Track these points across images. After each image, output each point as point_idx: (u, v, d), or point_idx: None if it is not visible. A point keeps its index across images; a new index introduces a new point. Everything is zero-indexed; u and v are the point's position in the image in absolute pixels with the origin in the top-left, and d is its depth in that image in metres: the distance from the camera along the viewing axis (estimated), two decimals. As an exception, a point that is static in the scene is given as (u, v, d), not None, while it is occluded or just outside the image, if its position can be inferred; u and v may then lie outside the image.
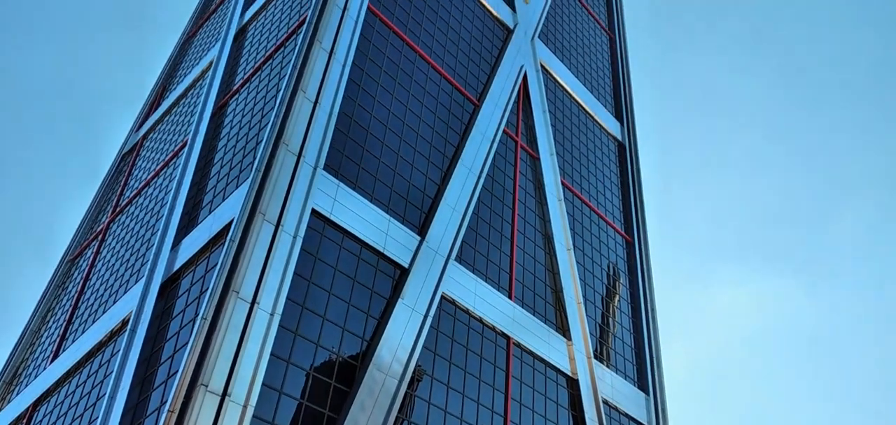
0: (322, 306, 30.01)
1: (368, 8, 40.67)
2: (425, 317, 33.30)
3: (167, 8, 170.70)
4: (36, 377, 42.30)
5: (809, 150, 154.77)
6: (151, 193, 45.39)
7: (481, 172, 41.28)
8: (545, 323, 41.09)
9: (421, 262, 34.54)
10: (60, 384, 38.43)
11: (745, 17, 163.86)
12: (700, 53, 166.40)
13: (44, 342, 46.08)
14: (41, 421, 37.79)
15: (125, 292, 37.95)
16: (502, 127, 45.04)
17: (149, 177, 47.94)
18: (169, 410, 24.34)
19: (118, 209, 49.88)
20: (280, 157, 31.27)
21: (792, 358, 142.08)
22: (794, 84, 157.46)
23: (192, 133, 43.02)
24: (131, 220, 45.53)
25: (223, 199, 33.86)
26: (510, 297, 39.51)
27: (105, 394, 31.55)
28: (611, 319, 47.12)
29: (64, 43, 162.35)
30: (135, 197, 48.11)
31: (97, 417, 31.05)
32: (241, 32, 50.41)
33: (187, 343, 27.25)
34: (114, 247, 45.31)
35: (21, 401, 41.36)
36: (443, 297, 35.41)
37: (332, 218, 32.08)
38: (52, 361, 41.66)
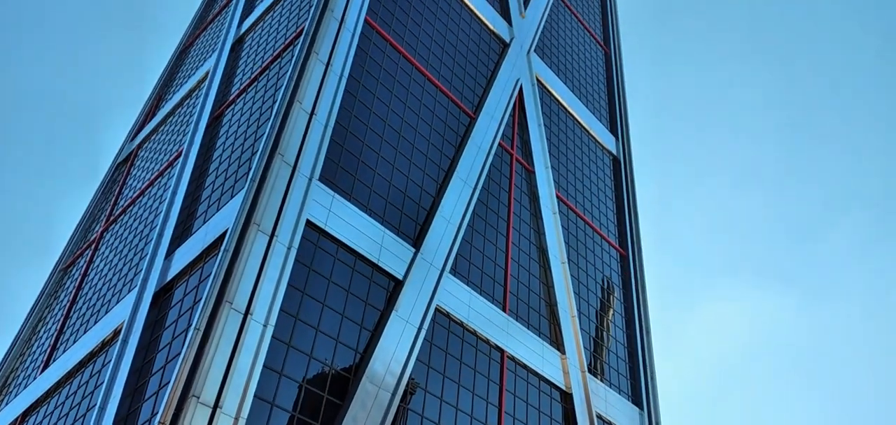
0: (316, 317, 29.89)
1: (365, 20, 40.85)
2: (419, 329, 33.21)
3: (169, 8, 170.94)
4: (25, 387, 41.89)
5: (803, 164, 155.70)
6: (145, 203, 45.25)
7: (476, 184, 41.34)
8: (539, 336, 41.02)
9: (415, 274, 34.48)
10: (50, 394, 38.07)
11: (740, 30, 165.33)
12: (695, 66, 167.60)
13: (35, 352, 45.69)
14: (30, 431, 37.40)
15: (118, 302, 37.72)
16: (498, 139, 45.18)
17: (143, 186, 47.81)
18: (159, 422, 24.13)
19: (112, 218, 49.68)
20: (275, 168, 31.25)
21: (786, 371, 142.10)
22: (788, 97, 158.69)
23: (187, 143, 42.97)
24: (125, 230, 45.34)
25: (218, 209, 33.77)
26: (504, 310, 39.45)
27: (95, 405, 31.26)
28: (605, 333, 47.09)
29: (64, 45, 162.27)
30: (129, 206, 47.95)
31: (87, 428, 30.74)
32: (239, 43, 50.51)
33: (179, 353, 27.07)
34: (107, 257, 45.09)
35: (10, 412, 40.93)
36: (437, 309, 35.34)
37: (327, 229, 32.03)
38: (42, 371, 41.29)
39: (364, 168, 35.76)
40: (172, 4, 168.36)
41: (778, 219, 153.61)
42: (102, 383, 32.72)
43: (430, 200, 38.53)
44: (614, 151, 59.29)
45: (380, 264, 33.45)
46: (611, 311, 48.87)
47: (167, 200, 38.81)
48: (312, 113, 34.11)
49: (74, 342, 39.77)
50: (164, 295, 32.91)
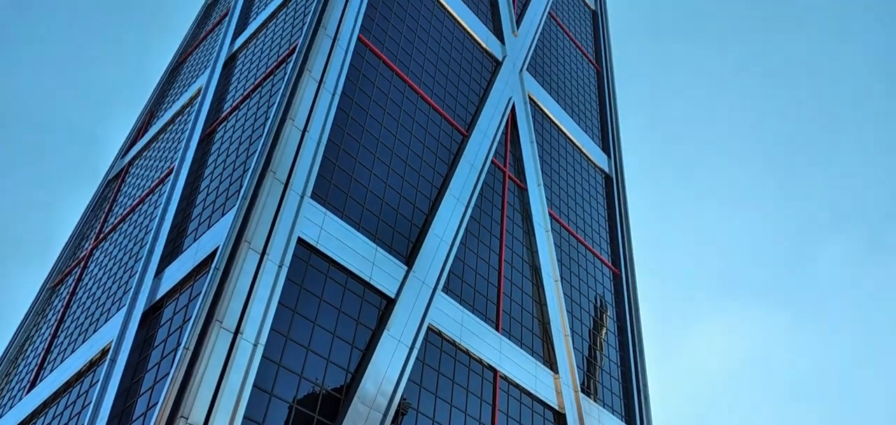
0: (306, 337, 29.60)
1: (359, 38, 40.97)
2: (411, 348, 32.96)
3: (175, 12, 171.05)
4: (11, 408, 41.19)
5: (795, 184, 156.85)
6: (136, 220, 44.91)
7: (469, 202, 41.31)
8: (532, 355, 40.81)
9: (407, 293, 34.29)
10: (37, 415, 37.43)
11: (733, 51, 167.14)
12: (688, 87, 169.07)
13: (21, 371, 44.99)
14: (15, 453, 36.73)
15: (106, 320, 37.26)
16: (490, 157, 45.25)
17: (134, 203, 47.48)
18: (147, 444, 23.74)
19: (101, 236, 49.25)
20: (267, 185, 31.09)
21: (778, 391, 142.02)
22: (779, 118, 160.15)
23: (178, 160, 42.76)
24: (114, 247, 44.94)
25: (208, 227, 33.53)
26: (497, 329, 39.26)
27: (82, 426, 30.75)
28: (598, 352, 46.93)
29: (65, 53, 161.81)
30: (119, 224, 47.57)
31: (73, 450, 30.20)
32: (231, 60, 50.52)
33: (168, 373, 26.70)
34: (96, 275, 44.62)
35: (-6, 432, 40.20)
36: (429, 328, 35.10)
37: (319, 247, 31.85)
38: (28, 391, 40.63)
39: (356, 185, 35.66)
40: (179, 11, 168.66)
41: (770, 239, 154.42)
42: (90, 404, 32.19)
43: (423, 218, 38.44)
44: (606, 169, 59.50)
45: (372, 282, 33.25)
46: (604, 330, 48.75)
47: (157, 218, 38.53)
48: (305, 130, 34.04)
49: (62, 361, 39.20)
50: (153, 314, 32.54)
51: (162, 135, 53.40)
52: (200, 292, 29.22)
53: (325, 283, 31.52)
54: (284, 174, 32.03)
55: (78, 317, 42.12)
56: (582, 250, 50.95)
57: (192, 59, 61.68)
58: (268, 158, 32.16)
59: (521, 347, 40.19)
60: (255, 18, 52.43)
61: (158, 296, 32.71)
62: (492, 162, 46.02)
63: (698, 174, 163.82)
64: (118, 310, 36.70)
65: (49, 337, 43.85)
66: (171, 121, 53.33)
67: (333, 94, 36.60)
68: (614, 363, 47.92)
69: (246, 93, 42.63)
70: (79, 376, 35.79)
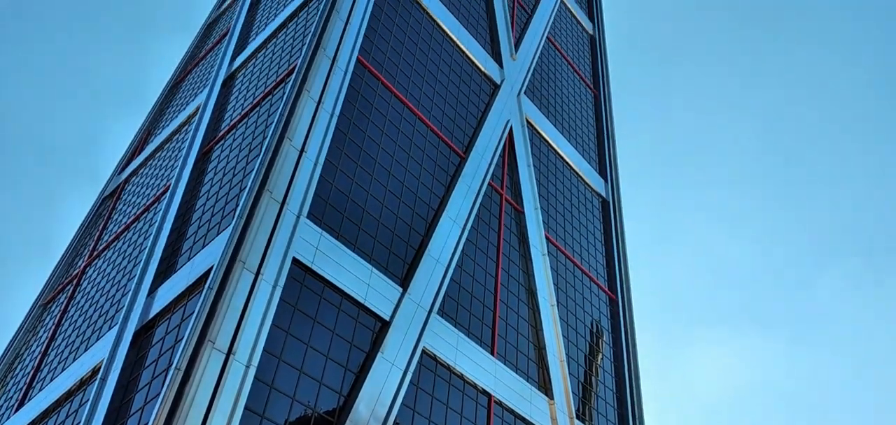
0: (299, 359, 29.29)
1: (358, 59, 41.15)
2: (405, 372, 32.62)
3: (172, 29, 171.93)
4: (-2, 426, 40.58)
5: (792, 211, 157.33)
6: (131, 238, 44.66)
7: (466, 224, 41.21)
8: (527, 380, 40.45)
9: (402, 315, 34.03)
10: (23, 434, 36.87)
11: (732, 76, 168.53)
12: (685, 112, 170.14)
13: (9, 389, 44.40)
14: (0, 473, 36.10)
15: (98, 339, 36.86)
16: (488, 180, 45.26)
17: (129, 221, 47.26)
18: (135, 466, 23.32)
19: (95, 253, 48.95)
20: (263, 205, 30.98)
21: (775, 417, 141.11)
22: (776, 142, 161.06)
23: (175, 178, 42.66)
24: (108, 265, 44.63)
25: (203, 246, 33.34)
26: (492, 353, 38.95)
27: (69, 447, 30.24)
28: (594, 378, 46.56)
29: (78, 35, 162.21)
30: (113, 241, 47.30)
31: (59, 471, 29.68)
32: (230, 79, 50.68)
33: (159, 394, 26.34)
34: (88, 292, 44.25)
35: (-19, 452, 39.55)
36: (423, 352, 34.80)
37: (314, 267, 31.64)
38: (16, 410, 40.05)
39: (353, 206, 35.56)
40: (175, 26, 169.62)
41: (768, 264, 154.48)
42: (79, 424, 31.70)
43: (419, 239, 38.31)
44: (603, 194, 59.56)
45: (366, 304, 33.01)
46: (599, 356, 48.42)
47: (152, 236, 38.32)
48: (302, 150, 34.02)
49: (51, 380, 38.71)
50: (145, 333, 32.21)
51: (159, 153, 53.35)
52: (193, 312, 28.95)
53: (319, 304, 31.27)
54: (281, 193, 31.93)
55: (69, 336, 41.68)
56: (578, 274, 50.79)
57: (192, 77, 61.88)
58: (264, 178, 32.08)
59: (516, 372, 39.84)
60: (254, 38, 52.72)
61: (151, 315, 32.40)
62: (489, 184, 46.02)
63: (697, 200, 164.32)
64: (110, 328, 36.32)
65: (39, 356, 43.35)
66: (169, 139, 53.32)
67: (332, 115, 36.65)
68: (610, 389, 47.52)
69: (244, 112, 42.68)
70: (68, 395, 35.30)
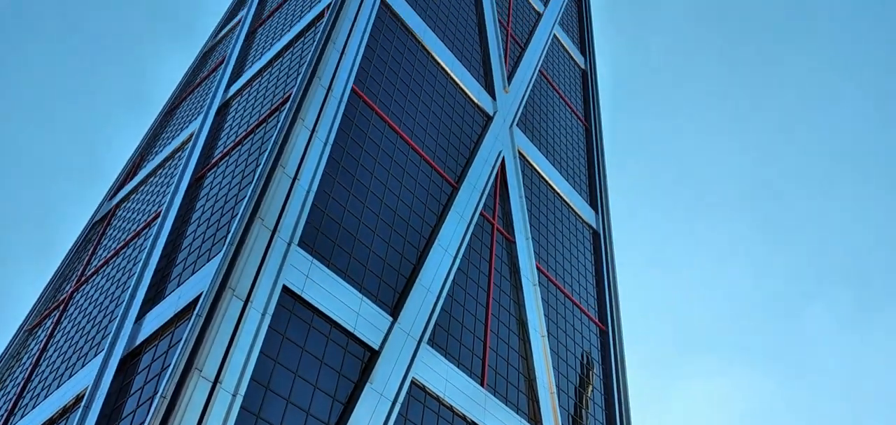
0: (287, 388, 28.99)
1: (353, 89, 41.54)
2: (394, 403, 32.31)
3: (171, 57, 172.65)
4: (-22, 454, 39.73)
5: (781, 243, 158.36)
6: (119, 263, 44.36)
7: (457, 254, 41.25)
8: (517, 412, 40.14)
9: (392, 345, 33.83)
10: (3, 463, 36.11)
11: (721, 109, 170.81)
12: (673, 146, 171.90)
13: (-9, 416, 43.56)
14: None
15: (83, 366, 36.37)
16: (480, 209, 45.45)
17: (118, 246, 46.99)
18: (116, 497, 22.88)
19: (83, 278, 48.53)
20: (254, 232, 30.94)
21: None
22: (765, 176, 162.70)
23: (166, 204, 42.59)
24: (96, 290, 44.23)
25: (193, 273, 33.17)
26: (482, 384, 38.68)
27: (50, 476, 29.65)
28: (584, 410, 46.25)
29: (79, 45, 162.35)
30: (102, 266, 46.95)
31: (39, 501, 29.05)
32: (225, 106, 50.94)
33: (143, 422, 25.97)
34: (75, 318, 43.77)
35: (-42, 481, 38.64)
36: (413, 382, 34.53)
37: (304, 295, 31.52)
38: (-3, 437, 39.27)
39: (344, 234, 35.58)
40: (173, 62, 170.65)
41: (757, 297, 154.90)
42: (59, 452, 31.12)
43: (411, 268, 38.28)
44: (594, 225, 59.87)
45: (356, 333, 32.82)
46: (590, 387, 48.18)
47: (141, 262, 38.10)
48: (295, 177, 34.13)
49: (34, 407, 38.04)
50: (131, 360, 31.84)
51: (151, 179, 53.29)
52: (181, 339, 28.70)
53: (308, 333, 31.07)
54: (272, 221, 31.94)
55: (54, 362, 41.10)
56: (569, 305, 50.77)
57: (186, 104, 62.15)
58: (257, 205, 32.11)
59: (506, 404, 39.54)
60: (250, 67, 53.16)
61: (138, 342, 32.07)
62: (481, 214, 46.20)
63: (685, 231, 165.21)
64: (96, 355, 35.88)
65: (22, 382, 42.64)
66: (162, 165, 53.33)
67: (325, 143, 36.87)
68: (600, 421, 47.18)
69: (238, 139, 42.84)
70: (51, 423, 34.69)
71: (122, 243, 46.69)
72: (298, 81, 39.99)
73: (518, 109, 56.85)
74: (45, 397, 37.67)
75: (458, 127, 49.74)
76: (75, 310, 45.15)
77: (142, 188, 53.61)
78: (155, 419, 24.63)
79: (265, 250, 30.85)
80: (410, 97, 46.61)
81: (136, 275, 37.48)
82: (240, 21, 67.27)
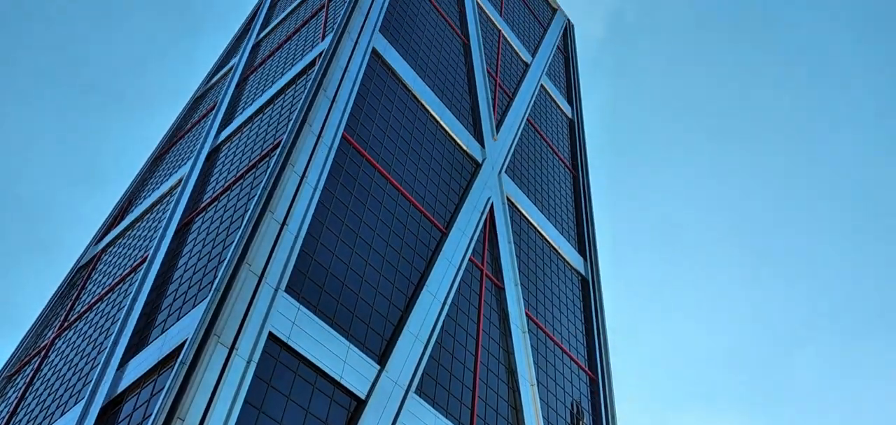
0: (272, 438, 28.37)
1: (343, 136, 41.95)
2: (381, 453, 31.70)
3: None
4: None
5: (770, 292, 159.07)
6: (103, 309, 43.72)
7: (446, 300, 41.09)
8: (507, 462, 39.44)
9: (379, 393, 33.35)
10: None
11: (702, 164, 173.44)
12: (661, 193, 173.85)
13: (-37, 467, 42.13)
14: None
15: (62, 415, 35.45)
16: (469, 255, 45.49)
17: (103, 292, 46.38)
18: None
19: (66, 324, 47.69)
20: (241, 277, 30.74)
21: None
22: (755, 225, 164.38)
23: (153, 249, 42.29)
24: (79, 337, 43.45)
25: (178, 319, 32.76)
26: (471, 433, 38.08)
27: None
28: (575, 460, 45.51)
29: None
30: (85, 312, 46.22)
31: None
32: (214, 152, 51.13)
33: (121, 475, 25.24)
34: (56, 365, 42.84)
35: None
36: (401, 432, 33.92)
37: (290, 343, 31.16)
38: (-32, 490, 37.91)
39: (332, 280, 35.41)
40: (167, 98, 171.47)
41: (745, 346, 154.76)
42: (33, 506, 30.08)
43: (398, 314, 38.03)
44: (583, 272, 60.00)
45: (342, 382, 32.36)
46: (580, 437, 47.51)
47: (126, 307, 37.60)
48: (284, 223, 34.12)
49: (8, 458, 36.88)
50: (112, 408, 31.11)
51: (138, 224, 53.00)
52: (164, 387, 28.16)
53: (293, 381, 30.60)
54: (260, 266, 31.78)
55: (32, 411, 40.02)
56: (559, 353, 50.46)
57: (176, 149, 62.31)
58: (244, 250, 31.99)
59: (495, 454, 38.85)
60: (241, 113, 53.60)
61: (119, 390, 31.40)
62: (470, 260, 46.23)
63: (674, 278, 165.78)
64: (76, 403, 35.03)
65: (-2, 431, 41.44)
66: (149, 209, 53.12)
67: (315, 189, 37.01)
68: (592, 473, 46.38)
69: (227, 184, 42.91)
70: (25, 475, 33.60)
71: (107, 288, 46.10)
72: (289, 127, 40.35)
73: (506, 156, 57.53)
74: (21, 448, 36.58)
75: (448, 173, 50.19)
76: (56, 356, 44.23)
77: (129, 233, 53.25)
78: (134, 471, 23.97)
79: (252, 296, 30.61)
80: (400, 144, 47.09)
81: (119, 321, 36.93)
82: (232, 68, 68.13)
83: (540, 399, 44.98)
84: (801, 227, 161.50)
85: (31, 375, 44.94)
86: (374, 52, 49.67)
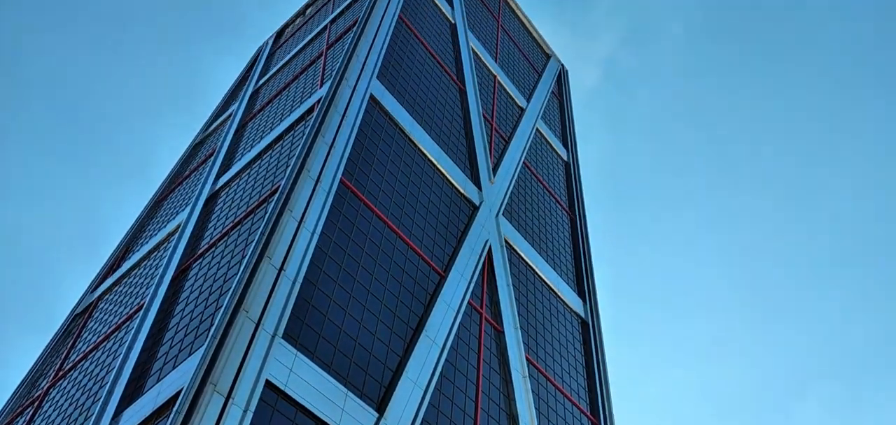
0: (268, 489, 27.76)
1: (341, 181, 42.20)
2: (380, 503, 30.97)
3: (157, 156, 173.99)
4: None
5: (772, 336, 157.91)
6: (98, 358, 43.20)
7: (445, 344, 40.70)
8: (509, 511, 38.53)
9: (378, 441, 32.77)
10: None
11: (701, 211, 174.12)
12: (663, 238, 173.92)
13: None
14: None
15: (53, 467, 34.68)
16: (467, 298, 45.27)
17: (98, 340, 45.90)
18: None
19: (61, 373, 47.03)
20: (238, 324, 30.50)
21: None
22: (756, 268, 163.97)
23: (149, 296, 42.04)
24: (73, 386, 42.80)
25: (174, 367, 32.37)
26: (472, 482, 37.28)
27: None
28: (578, 508, 44.45)
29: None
30: (80, 361, 45.65)
31: None
32: (213, 198, 51.30)
33: None
34: (49, 416, 42.08)
35: None
36: (400, 481, 33.23)
37: (287, 390, 30.73)
38: None
39: (330, 325, 35.13)
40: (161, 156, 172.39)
41: (746, 390, 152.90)
42: None
43: (397, 360, 37.62)
44: (582, 314, 59.65)
45: (341, 429, 31.80)
46: (583, 484, 46.49)
47: (122, 355, 37.17)
48: (281, 269, 34.04)
49: (-3, 514, 35.92)
50: (104, 460, 30.48)
51: (135, 271, 52.78)
52: (158, 437, 27.65)
53: (291, 430, 30.05)
54: (257, 313, 31.57)
55: (22, 464, 39.17)
56: (560, 398, 49.77)
57: (174, 196, 62.50)
58: (242, 296, 31.81)
59: (497, 503, 37.97)
60: (239, 159, 53.98)
61: (113, 441, 30.81)
62: (469, 303, 45.99)
63: (673, 323, 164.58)
64: (67, 455, 34.31)
65: (-13, 486, 40.44)
66: (147, 256, 52.98)
67: (313, 234, 37.04)
68: None
69: (225, 230, 42.92)
70: None
71: (103, 336, 45.63)
72: (287, 173, 40.60)
73: (504, 199, 57.80)
74: (10, 503, 35.66)
75: (445, 216, 50.33)
76: (50, 406, 43.47)
77: (125, 280, 52.97)
78: None
79: (249, 343, 30.32)
80: (398, 188, 47.35)
81: (115, 369, 36.46)
82: (231, 115, 68.89)
83: (541, 445, 44.17)
84: (800, 273, 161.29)
85: (22, 427, 44.11)
86: (372, 98, 50.37)
